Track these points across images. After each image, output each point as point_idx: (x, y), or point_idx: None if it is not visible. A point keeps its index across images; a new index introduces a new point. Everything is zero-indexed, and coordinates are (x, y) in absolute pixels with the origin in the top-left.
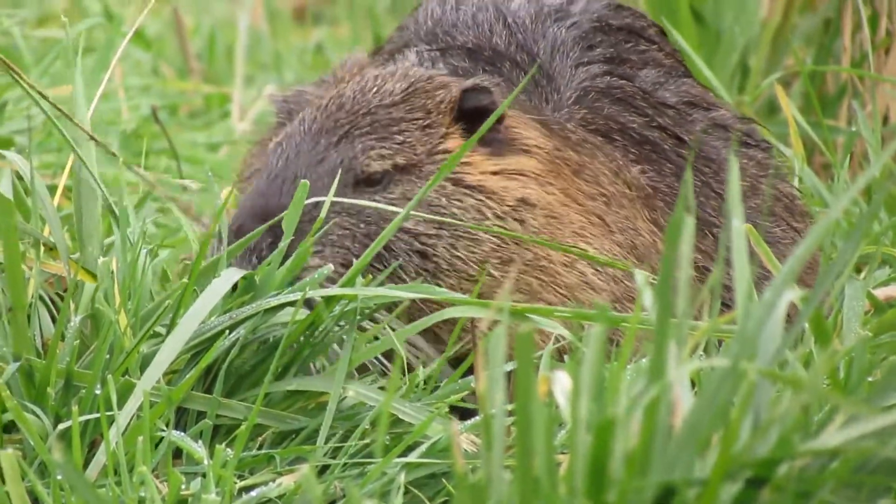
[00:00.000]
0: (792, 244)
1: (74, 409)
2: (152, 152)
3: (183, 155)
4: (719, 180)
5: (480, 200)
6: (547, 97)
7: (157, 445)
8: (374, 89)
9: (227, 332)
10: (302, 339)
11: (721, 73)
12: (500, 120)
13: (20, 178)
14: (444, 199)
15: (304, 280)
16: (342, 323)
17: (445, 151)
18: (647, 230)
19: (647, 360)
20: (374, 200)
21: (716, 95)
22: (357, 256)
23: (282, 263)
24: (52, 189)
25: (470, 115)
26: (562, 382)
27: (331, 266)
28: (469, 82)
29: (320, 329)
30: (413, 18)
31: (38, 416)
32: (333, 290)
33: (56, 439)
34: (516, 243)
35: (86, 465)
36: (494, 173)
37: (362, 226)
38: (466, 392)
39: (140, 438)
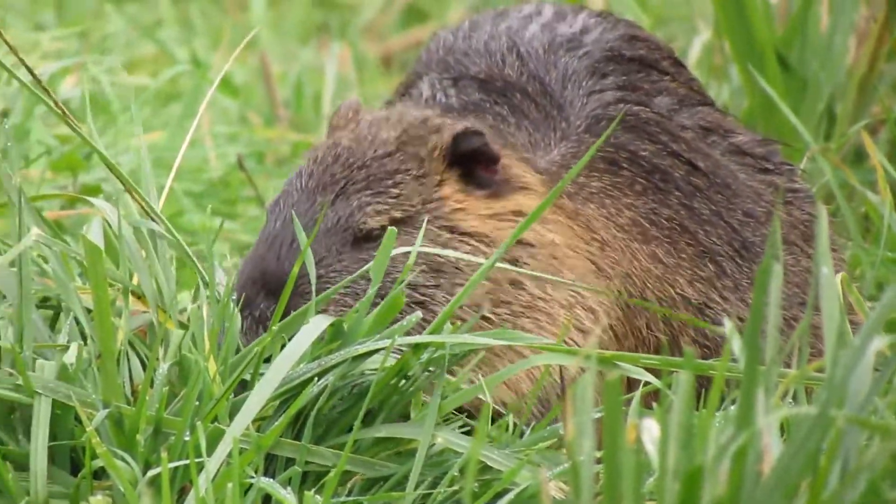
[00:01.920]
0: (804, 272)
1: (164, 455)
2: (239, 200)
3: None
4: (731, 207)
5: (475, 246)
6: (556, 127)
7: (246, 492)
8: (369, 138)
9: (316, 378)
10: (390, 385)
11: (807, 121)
12: (496, 161)
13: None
14: (440, 248)
15: (393, 327)
16: (431, 369)
17: (440, 199)
18: (640, 267)
19: (735, 408)
20: (373, 257)
21: (801, 142)
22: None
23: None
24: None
25: (463, 158)
26: (650, 430)
27: (419, 314)
28: (459, 126)
29: (409, 375)
30: (426, 49)
31: (127, 462)
32: (422, 338)
33: (146, 486)
34: (511, 284)
35: None
36: (490, 216)
37: (363, 282)
38: (554, 439)
39: (229, 485)
